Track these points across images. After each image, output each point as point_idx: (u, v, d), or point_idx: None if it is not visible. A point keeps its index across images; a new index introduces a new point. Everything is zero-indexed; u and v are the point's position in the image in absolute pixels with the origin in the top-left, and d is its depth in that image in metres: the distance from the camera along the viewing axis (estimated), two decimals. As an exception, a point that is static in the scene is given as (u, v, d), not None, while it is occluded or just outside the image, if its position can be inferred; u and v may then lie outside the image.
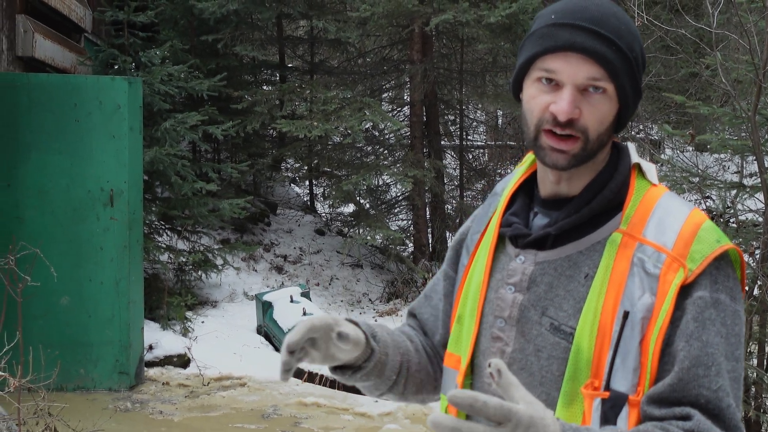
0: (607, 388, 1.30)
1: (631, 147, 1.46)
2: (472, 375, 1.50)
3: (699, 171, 7.49)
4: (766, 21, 5.53)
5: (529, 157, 1.58)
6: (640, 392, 1.29)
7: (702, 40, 7.84)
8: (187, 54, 9.66)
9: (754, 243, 5.64)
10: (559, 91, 1.34)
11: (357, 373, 1.50)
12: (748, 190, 6.25)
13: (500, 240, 1.51)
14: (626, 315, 1.29)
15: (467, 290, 1.53)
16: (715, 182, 6.58)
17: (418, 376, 1.61)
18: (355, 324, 1.48)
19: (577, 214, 1.39)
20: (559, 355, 1.36)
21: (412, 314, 1.73)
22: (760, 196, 5.84)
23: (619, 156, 1.44)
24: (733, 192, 6.33)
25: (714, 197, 6.91)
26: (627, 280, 1.31)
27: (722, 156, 10.28)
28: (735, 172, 9.25)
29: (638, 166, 1.43)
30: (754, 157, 5.71)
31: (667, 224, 1.34)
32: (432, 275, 9.63)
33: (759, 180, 5.62)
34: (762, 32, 5.52)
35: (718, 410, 1.26)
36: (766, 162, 5.45)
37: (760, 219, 5.78)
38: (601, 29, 1.33)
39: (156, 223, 9.06)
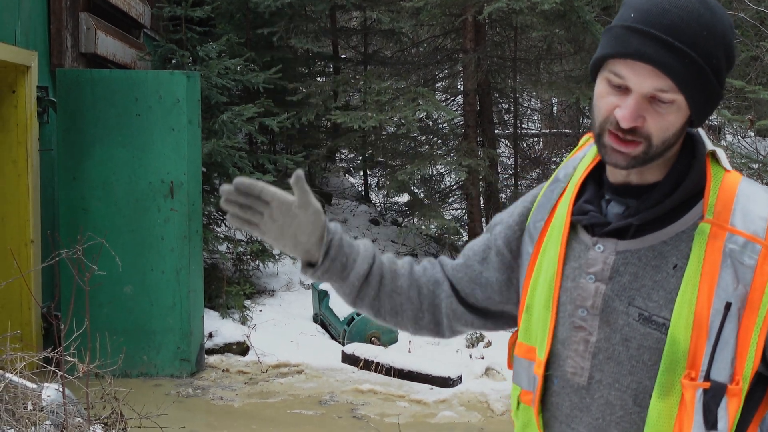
0: (707, 378, 1.31)
1: (703, 133, 1.45)
2: (550, 364, 1.49)
3: (760, 157, 7.35)
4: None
5: (587, 139, 1.59)
6: (738, 381, 1.31)
7: (763, 23, 7.67)
8: (242, 47, 9.81)
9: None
10: (626, 95, 1.33)
11: (317, 269, 1.58)
12: (810, 175, 6.12)
13: (572, 228, 1.49)
14: (728, 306, 1.30)
15: (536, 279, 1.52)
16: (776, 168, 6.46)
17: (396, 298, 1.65)
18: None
19: (661, 204, 1.38)
20: (651, 345, 1.36)
21: (440, 264, 1.73)
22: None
23: (694, 143, 1.43)
24: (795, 178, 6.20)
25: (775, 183, 6.75)
26: (720, 271, 1.31)
27: (784, 141, 10.04)
28: (798, 158, 9.02)
29: (712, 153, 1.41)
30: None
31: (754, 212, 1.33)
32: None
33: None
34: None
35: None
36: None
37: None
38: (675, 40, 1.29)
39: (214, 213, 9.24)
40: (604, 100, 1.36)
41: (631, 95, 1.32)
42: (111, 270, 6.12)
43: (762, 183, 6.65)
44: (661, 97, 1.32)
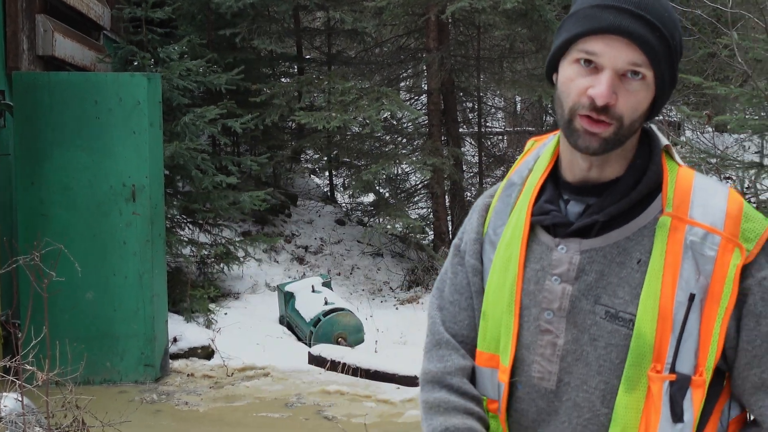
0: (672, 370, 1.32)
1: (656, 129, 1.46)
2: (514, 370, 1.46)
3: (718, 152, 7.46)
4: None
5: (532, 144, 1.59)
6: (702, 372, 1.32)
7: (719, 20, 7.77)
8: (204, 49, 9.74)
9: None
10: (597, 74, 1.32)
11: None
12: (766, 169, 6.22)
13: (530, 230, 1.47)
14: (692, 298, 1.31)
15: (491, 284, 1.49)
16: (734, 162, 6.56)
17: None
18: None
19: (626, 198, 1.38)
20: (618, 342, 1.36)
21: (448, 331, 1.56)
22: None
23: (649, 139, 1.44)
24: (752, 172, 6.30)
25: (733, 177, 6.87)
26: (682, 263, 1.32)
27: (742, 136, 10.21)
28: (756, 152, 9.18)
29: (666, 148, 1.43)
30: (772, 137, 5.68)
31: (712, 204, 1.35)
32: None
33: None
34: (778, 11, 5.48)
35: None
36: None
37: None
38: (647, 13, 1.30)
39: (178, 217, 9.16)
40: (573, 83, 1.35)
41: (604, 72, 1.32)
42: (72, 276, 6.03)
43: (720, 177, 6.76)
44: (634, 71, 1.32)
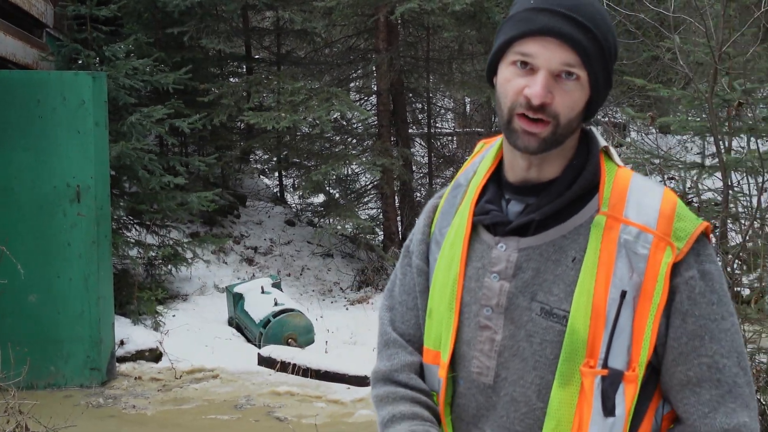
0: (605, 366, 1.34)
1: (596, 131, 1.48)
2: (456, 366, 1.48)
3: (661, 153, 7.62)
4: (722, 4, 5.62)
5: (481, 146, 1.62)
6: (635, 368, 1.34)
7: (662, 24, 7.95)
8: (151, 47, 9.61)
9: (714, 222, 5.77)
10: (533, 75, 1.35)
11: None
12: (707, 170, 6.38)
13: (473, 229, 1.49)
14: (624, 294, 1.34)
15: (435, 283, 1.52)
16: (676, 163, 6.71)
17: None
18: None
19: (561, 197, 1.41)
20: (552, 338, 1.38)
21: (396, 331, 1.59)
22: (720, 175, 5.96)
23: (588, 140, 1.46)
24: (694, 172, 6.46)
25: (676, 178, 7.03)
26: (615, 261, 1.35)
27: (684, 137, 10.45)
28: (697, 153, 9.41)
29: (605, 149, 1.45)
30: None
31: (646, 204, 1.37)
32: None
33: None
34: (718, 16, 5.63)
35: (720, 373, 1.36)
36: (726, 143, 5.57)
37: (720, 198, 5.90)
38: (579, 16, 1.34)
39: (124, 218, 9.02)
40: (510, 84, 1.38)
41: (539, 73, 1.35)
42: (14, 278, 5.90)
43: (664, 178, 6.90)
44: (568, 71, 1.35)
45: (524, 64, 1.36)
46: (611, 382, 1.34)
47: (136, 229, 9.19)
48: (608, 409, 1.34)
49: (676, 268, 1.35)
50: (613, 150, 1.46)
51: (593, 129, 1.49)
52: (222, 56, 11.88)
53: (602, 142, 1.46)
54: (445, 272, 1.50)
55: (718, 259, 5.28)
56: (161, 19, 10.38)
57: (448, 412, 1.52)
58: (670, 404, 1.43)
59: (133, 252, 8.71)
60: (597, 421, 1.34)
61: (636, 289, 1.34)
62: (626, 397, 1.34)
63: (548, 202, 1.41)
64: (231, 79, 12.01)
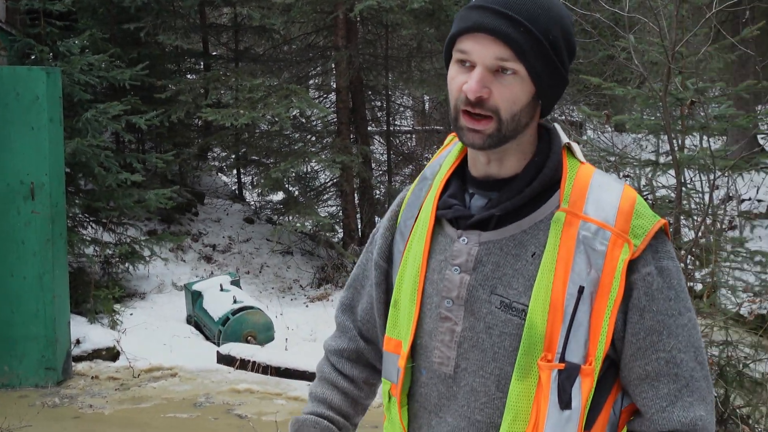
0: (562, 360, 1.37)
1: (559, 128, 1.50)
2: (418, 356, 1.52)
3: (617, 150, 7.74)
4: (675, 4, 5.74)
5: (451, 139, 1.63)
6: (591, 362, 1.37)
7: (617, 23, 8.07)
8: (107, 43, 9.48)
9: (668, 218, 5.88)
10: (471, 71, 1.38)
11: None
12: (662, 167, 6.50)
13: (437, 222, 1.52)
14: (581, 290, 1.36)
15: (402, 274, 1.55)
16: (631, 161, 6.82)
17: (367, 401, 1.78)
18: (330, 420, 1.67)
19: (520, 194, 1.43)
20: (511, 331, 1.41)
21: (350, 310, 1.75)
22: (674, 173, 6.08)
23: (550, 137, 1.49)
24: (648, 169, 6.57)
25: (631, 175, 7.15)
26: (574, 257, 1.37)
27: (639, 135, 10.62)
28: (652, 151, 9.58)
29: (568, 146, 1.48)
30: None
31: (605, 200, 1.40)
32: (362, 260, 9.71)
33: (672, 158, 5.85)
34: (672, 16, 5.73)
35: (677, 368, 1.39)
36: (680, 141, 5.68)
37: (674, 195, 6.02)
38: (510, 11, 1.35)
39: (80, 215, 8.90)
40: (453, 81, 1.42)
41: (475, 69, 1.38)
42: (-34, 277, 5.79)
43: (619, 175, 7.02)
44: (504, 66, 1.37)
45: (464, 61, 1.39)
46: (568, 375, 1.37)
47: (92, 227, 9.08)
48: (564, 402, 1.37)
49: (633, 265, 1.38)
50: (576, 146, 1.48)
51: (557, 126, 1.51)
52: (179, 52, 11.77)
53: (564, 139, 1.48)
54: (411, 264, 1.53)
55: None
56: (117, 15, 10.24)
57: (405, 401, 1.56)
58: (630, 398, 1.46)
59: (89, 250, 8.59)
60: (553, 413, 1.37)
61: (594, 284, 1.37)
62: (582, 391, 1.37)
63: (508, 198, 1.43)
64: (188, 76, 11.92)
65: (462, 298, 1.45)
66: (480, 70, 1.37)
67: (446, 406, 1.49)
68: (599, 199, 1.40)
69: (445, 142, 1.64)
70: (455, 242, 1.48)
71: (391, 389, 1.58)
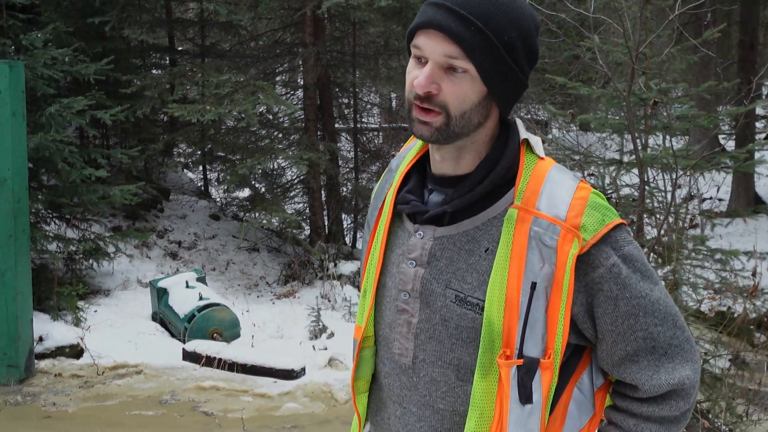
0: (521, 355, 1.39)
1: (519, 123, 1.52)
2: (381, 347, 1.58)
3: (581, 149, 7.84)
4: (639, 6, 5.82)
5: None
6: (550, 355, 1.39)
7: (582, 24, 8.16)
8: (71, 37, 9.36)
9: (632, 216, 5.97)
10: (424, 66, 1.41)
11: None
12: (625, 166, 6.59)
13: (398, 216, 1.56)
14: (534, 286, 1.38)
15: (369, 265, 1.59)
16: (596, 160, 6.91)
17: None
18: None
19: (471, 192, 1.45)
20: (467, 324, 1.44)
21: None
22: (637, 171, 6.17)
23: (509, 133, 1.49)
24: (612, 168, 6.66)
25: (596, 174, 7.25)
26: (527, 253, 1.39)
27: (604, 135, 10.74)
28: (616, 150, 9.71)
29: (526, 141, 1.49)
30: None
31: (558, 196, 1.41)
32: (328, 257, 9.71)
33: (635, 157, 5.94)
34: (636, 17, 5.81)
35: (654, 341, 1.44)
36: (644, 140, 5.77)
37: (637, 193, 6.11)
38: (464, 10, 1.37)
39: (43, 211, 8.78)
40: (408, 75, 1.45)
41: (427, 64, 1.40)
42: (-74, 273, 5.68)
43: (584, 174, 7.11)
44: (453, 65, 1.38)
45: (419, 57, 1.42)
46: (527, 370, 1.39)
47: (55, 223, 8.96)
48: (525, 397, 1.40)
49: (593, 261, 1.40)
50: (534, 141, 1.49)
51: (517, 121, 1.52)
52: (144, 47, 11.66)
53: (523, 134, 1.49)
54: (372, 256, 1.59)
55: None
56: (81, 8, 10.11)
57: (362, 388, 1.63)
58: (603, 376, 1.52)
59: (53, 246, 8.49)
60: (515, 409, 1.40)
61: (547, 279, 1.38)
62: (543, 384, 1.40)
63: (460, 196, 1.46)
64: (154, 71, 11.81)
65: (417, 290, 1.49)
66: (430, 66, 1.39)
67: (408, 397, 1.53)
68: (552, 195, 1.42)
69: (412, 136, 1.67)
70: (412, 236, 1.52)
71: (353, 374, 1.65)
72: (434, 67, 1.40)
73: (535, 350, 1.40)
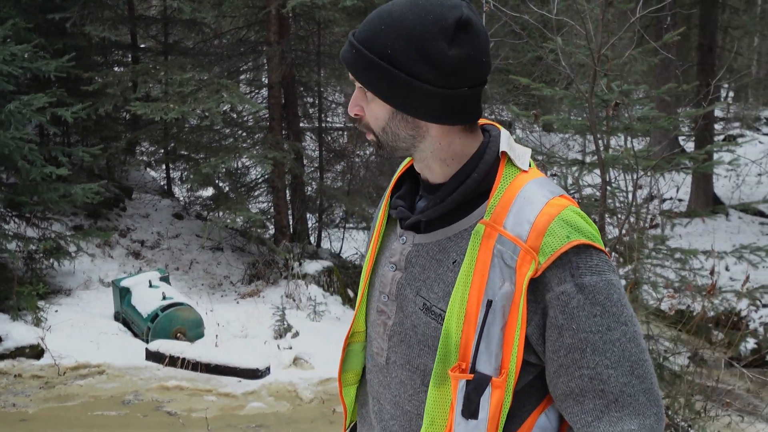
0: (473, 370, 1.39)
1: (504, 134, 1.49)
2: (367, 344, 1.64)
3: (545, 150, 7.92)
4: (601, 8, 5.90)
5: None
6: (504, 374, 1.38)
7: (546, 26, 8.25)
8: (31, 33, 9.22)
9: (594, 216, 6.05)
10: None
11: None
12: (587, 166, 6.68)
13: (394, 220, 1.59)
14: (489, 304, 1.37)
15: (365, 265, 1.64)
16: (559, 160, 6.99)
17: None
18: None
19: (442, 203, 1.45)
20: (431, 333, 1.46)
21: None
22: (599, 172, 6.26)
23: (489, 145, 1.47)
24: (575, 169, 6.75)
25: (558, 174, 7.33)
26: (489, 271, 1.38)
27: (566, 135, 10.87)
28: (578, 151, 9.83)
29: (507, 154, 1.45)
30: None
31: (523, 215, 1.38)
32: (293, 256, 9.69)
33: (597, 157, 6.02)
34: (598, 20, 5.89)
35: (603, 384, 1.37)
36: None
37: (599, 193, 6.20)
38: (353, 36, 1.43)
39: (2, 210, 8.64)
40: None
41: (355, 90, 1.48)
42: None
43: (547, 174, 7.18)
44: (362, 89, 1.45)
45: None
46: (476, 386, 1.39)
47: (15, 222, 8.83)
48: (470, 412, 1.40)
49: (547, 283, 1.37)
50: (519, 153, 1.46)
51: (502, 132, 1.50)
52: (106, 44, 11.53)
53: (503, 146, 1.46)
54: (367, 256, 1.64)
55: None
56: (41, 4, 9.98)
57: (346, 379, 1.70)
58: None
59: (12, 245, 8.35)
60: (460, 422, 1.41)
61: (506, 298, 1.37)
62: (492, 402, 1.39)
63: (433, 205, 1.47)
64: (116, 68, 11.68)
65: (393, 294, 1.53)
66: (356, 92, 1.47)
67: (383, 394, 1.58)
68: (519, 213, 1.39)
69: None
70: (395, 241, 1.56)
71: (339, 372, 1.71)
72: (357, 92, 1.47)
73: (488, 367, 1.39)
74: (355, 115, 1.46)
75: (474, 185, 1.44)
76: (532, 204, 1.39)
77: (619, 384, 1.36)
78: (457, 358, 1.41)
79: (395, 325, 1.52)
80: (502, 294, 1.37)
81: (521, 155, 1.47)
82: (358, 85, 1.45)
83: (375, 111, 1.44)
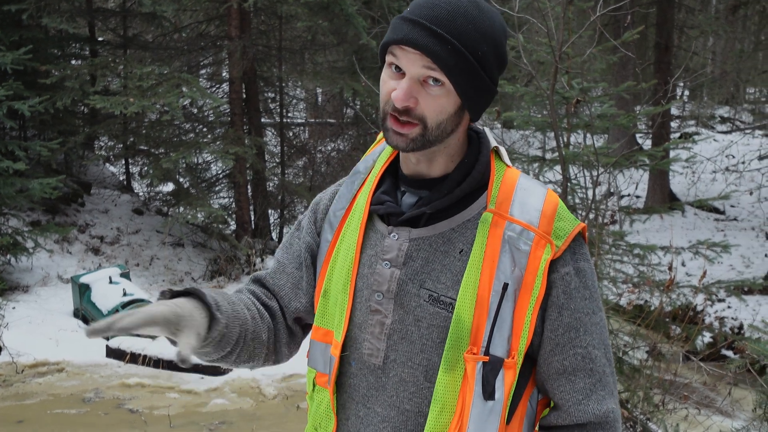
0: (487, 353, 1.44)
1: (488, 132, 1.56)
2: (347, 348, 1.57)
3: (506, 146, 7.99)
4: (562, 6, 5.97)
5: (382, 136, 1.66)
6: (514, 355, 1.44)
7: (507, 23, 8.32)
8: (-14, 25, 9.05)
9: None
10: (402, 79, 1.43)
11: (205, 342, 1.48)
12: (548, 163, 6.76)
13: (369, 217, 1.58)
14: (506, 287, 1.43)
15: (333, 266, 1.60)
16: (520, 156, 7.06)
17: (251, 345, 1.61)
18: (199, 297, 1.46)
19: (450, 194, 1.49)
20: (439, 323, 1.47)
21: (259, 281, 1.71)
22: (560, 168, 6.34)
23: (480, 141, 1.54)
24: (536, 165, 6.83)
25: (519, 170, 7.39)
26: (500, 256, 1.44)
27: (527, 132, 10.97)
28: (539, 147, 9.93)
29: (496, 150, 1.54)
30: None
31: (530, 203, 1.47)
32: (255, 252, 9.65)
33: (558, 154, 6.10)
34: (559, 17, 5.96)
35: (593, 363, 1.48)
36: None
37: (560, 190, 6.28)
38: (439, 29, 1.39)
39: (-43, 205, 8.48)
40: (385, 85, 1.46)
41: (404, 78, 1.43)
42: None
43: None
44: (433, 77, 1.41)
45: (397, 67, 1.44)
46: (492, 368, 1.44)
47: (-30, 218, 8.66)
48: (488, 393, 1.44)
49: (553, 265, 1.46)
50: (503, 150, 1.55)
51: (486, 130, 1.57)
52: (64, 37, 11.34)
53: (493, 143, 1.54)
54: (342, 257, 1.58)
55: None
56: (-3, -5, 9.77)
57: (335, 390, 1.61)
58: (544, 392, 1.55)
59: (-33, 241, 8.21)
60: (477, 404, 1.44)
61: (517, 282, 1.44)
62: (505, 382, 1.45)
63: (439, 198, 1.49)
64: (74, 62, 11.50)
65: (392, 291, 1.52)
66: (408, 81, 1.42)
67: (374, 397, 1.56)
68: (524, 202, 1.47)
69: (378, 138, 1.69)
70: (386, 238, 1.54)
71: (316, 378, 1.63)
72: (411, 82, 1.42)
73: (501, 350, 1.44)
74: (406, 107, 1.42)
75: (479, 177, 1.50)
76: (534, 194, 1.48)
77: (601, 364, 1.49)
78: (468, 343, 1.44)
79: (395, 322, 1.52)
80: (514, 278, 1.44)
81: (504, 152, 1.55)
82: (419, 74, 1.40)
83: (441, 104, 1.42)
